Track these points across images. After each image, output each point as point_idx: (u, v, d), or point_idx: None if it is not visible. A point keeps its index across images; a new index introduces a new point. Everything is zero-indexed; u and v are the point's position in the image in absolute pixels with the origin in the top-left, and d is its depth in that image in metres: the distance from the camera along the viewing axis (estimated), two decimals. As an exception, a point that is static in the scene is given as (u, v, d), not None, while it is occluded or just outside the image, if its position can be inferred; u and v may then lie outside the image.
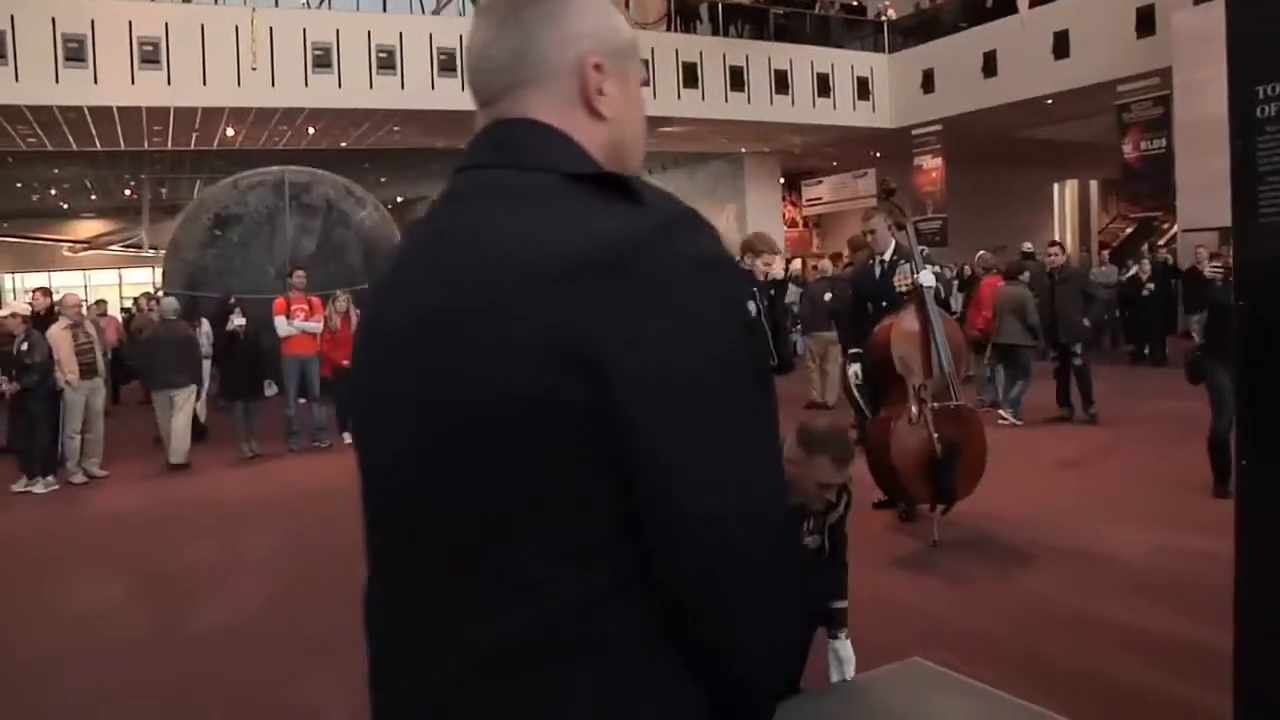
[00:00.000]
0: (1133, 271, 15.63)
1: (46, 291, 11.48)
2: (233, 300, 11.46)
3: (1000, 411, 9.83)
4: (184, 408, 10.02)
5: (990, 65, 20.06)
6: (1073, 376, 9.79)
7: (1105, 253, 18.81)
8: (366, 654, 1.12)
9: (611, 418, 0.88)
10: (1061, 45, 18.52)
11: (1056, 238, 18.15)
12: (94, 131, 18.32)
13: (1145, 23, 17.08)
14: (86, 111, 16.64)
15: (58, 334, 9.09)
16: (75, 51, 15.47)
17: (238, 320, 10.57)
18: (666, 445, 0.89)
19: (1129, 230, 18.79)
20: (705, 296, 0.93)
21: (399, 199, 33.67)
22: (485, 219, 0.98)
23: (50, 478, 8.93)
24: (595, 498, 0.92)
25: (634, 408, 0.88)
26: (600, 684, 0.92)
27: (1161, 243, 18.31)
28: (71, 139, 18.84)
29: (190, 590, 5.75)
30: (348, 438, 10.60)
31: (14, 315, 9.14)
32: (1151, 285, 14.44)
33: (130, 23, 15.88)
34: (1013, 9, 18.19)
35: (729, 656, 0.96)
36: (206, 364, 11.72)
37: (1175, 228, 17.13)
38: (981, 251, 14.13)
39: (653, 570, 0.92)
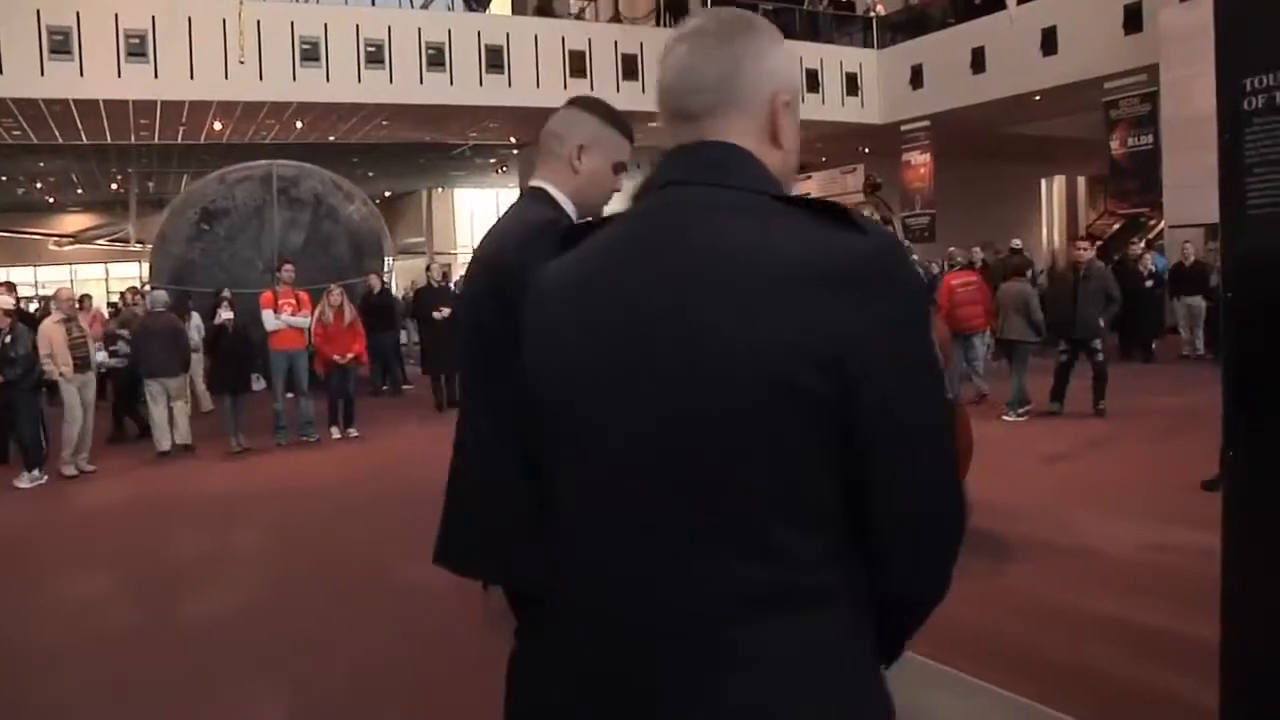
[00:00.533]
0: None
1: (10, 286, 11.50)
2: (225, 294, 11.43)
3: (1005, 416, 9.76)
4: (178, 396, 10.18)
5: (979, 61, 20.12)
6: (1080, 373, 9.81)
7: (1088, 242, 18.84)
8: (552, 578, 1.26)
9: (852, 408, 1.07)
10: (1050, 42, 18.59)
11: (1045, 233, 18.19)
12: (80, 125, 18.24)
13: (1133, 20, 17.17)
14: (72, 104, 16.57)
15: (50, 328, 9.09)
16: (60, 44, 15.40)
17: (225, 314, 10.58)
18: (901, 439, 1.10)
19: (1116, 226, 18.86)
20: (923, 309, 1.14)
21: (387, 193, 33.61)
22: (718, 229, 1.14)
23: (36, 471, 8.89)
24: (828, 474, 1.10)
25: (879, 402, 1.07)
26: (824, 631, 1.11)
27: (1149, 239, 18.38)
28: (57, 132, 18.74)
29: (179, 584, 5.72)
30: (335, 433, 10.69)
31: (-1, 309, 9.09)
32: (1151, 281, 14.29)
33: (116, 15, 15.82)
34: (1001, 5, 18.25)
35: (920, 608, 1.23)
36: (197, 356, 11.73)
37: (1162, 224, 17.20)
38: (951, 248, 14.14)
39: (870, 537, 1.14)
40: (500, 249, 2.13)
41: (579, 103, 2.26)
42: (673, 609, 1.13)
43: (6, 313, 9.06)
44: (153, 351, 9.98)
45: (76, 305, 10.11)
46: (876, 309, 1.07)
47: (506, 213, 2.30)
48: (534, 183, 2.23)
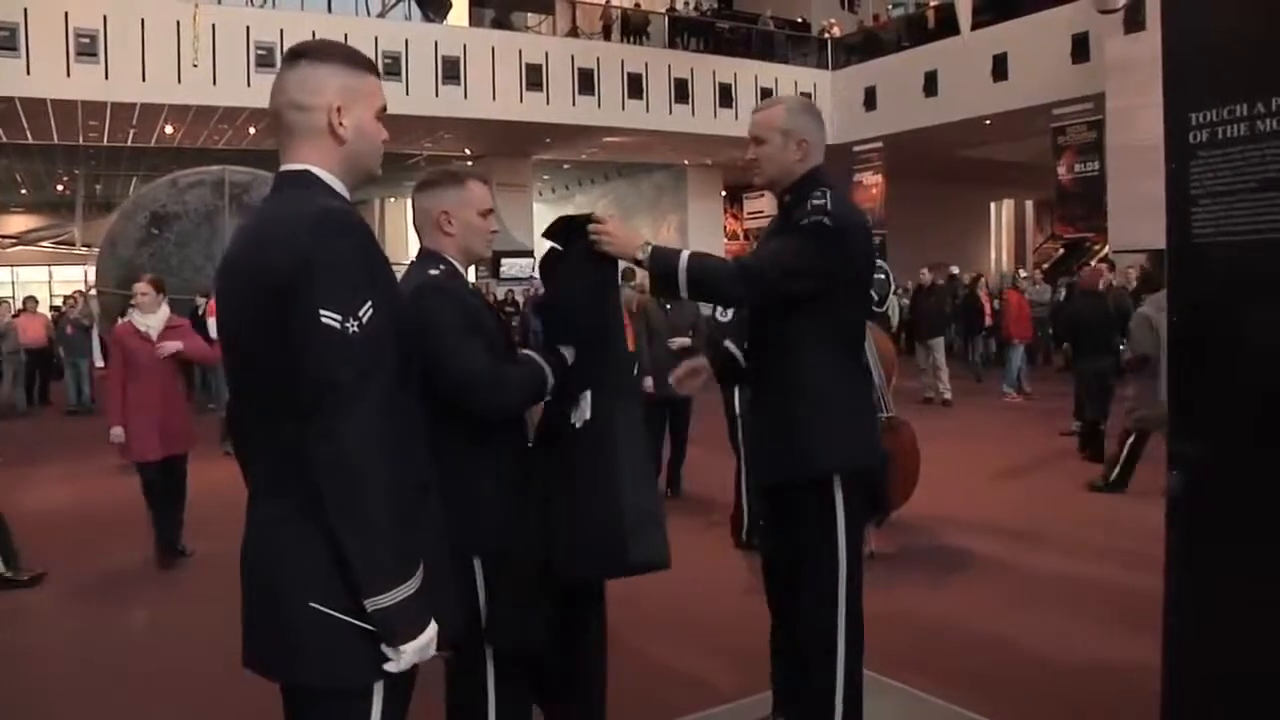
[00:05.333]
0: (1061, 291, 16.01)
1: None
2: (200, 301, 11.18)
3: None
4: None
5: (931, 85, 20.46)
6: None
7: (1038, 271, 19.24)
8: None
9: None
10: (1000, 68, 18.97)
11: (993, 255, 18.46)
12: (25, 124, 17.89)
13: (1080, 49, 17.57)
14: (18, 103, 16.25)
15: None
16: (6, 40, 15.14)
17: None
18: None
19: (1061, 250, 19.25)
20: None
21: (340, 201, 33.27)
22: None
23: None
24: None
25: None
26: None
27: (1093, 263, 18.79)
28: (1, 131, 18.37)
29: (122, 592, 5.62)
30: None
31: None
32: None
33: (66, 13, 15.56)
34: (954, 30, 18.57)
35: None
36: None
37: (1106, 249, 17.58)
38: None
39: None
40: (274, 243, 1.70)
41: (306, 56, 1.83)
42: None
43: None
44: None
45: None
46: None
47: (265, 204, 1.86)
48: (292, 166, 1.81)
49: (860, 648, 2.77)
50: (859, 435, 2.79)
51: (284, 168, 1.82)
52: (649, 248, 2.55)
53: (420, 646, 1.67)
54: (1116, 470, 7.32)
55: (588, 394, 2.43)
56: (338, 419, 1.58)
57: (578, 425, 2.42)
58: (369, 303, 1.64)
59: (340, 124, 1.79)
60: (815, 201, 2.67)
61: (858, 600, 2.75)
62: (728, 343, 3.10)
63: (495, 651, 2.39)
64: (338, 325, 1.60)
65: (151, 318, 6.03)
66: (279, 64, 1.88)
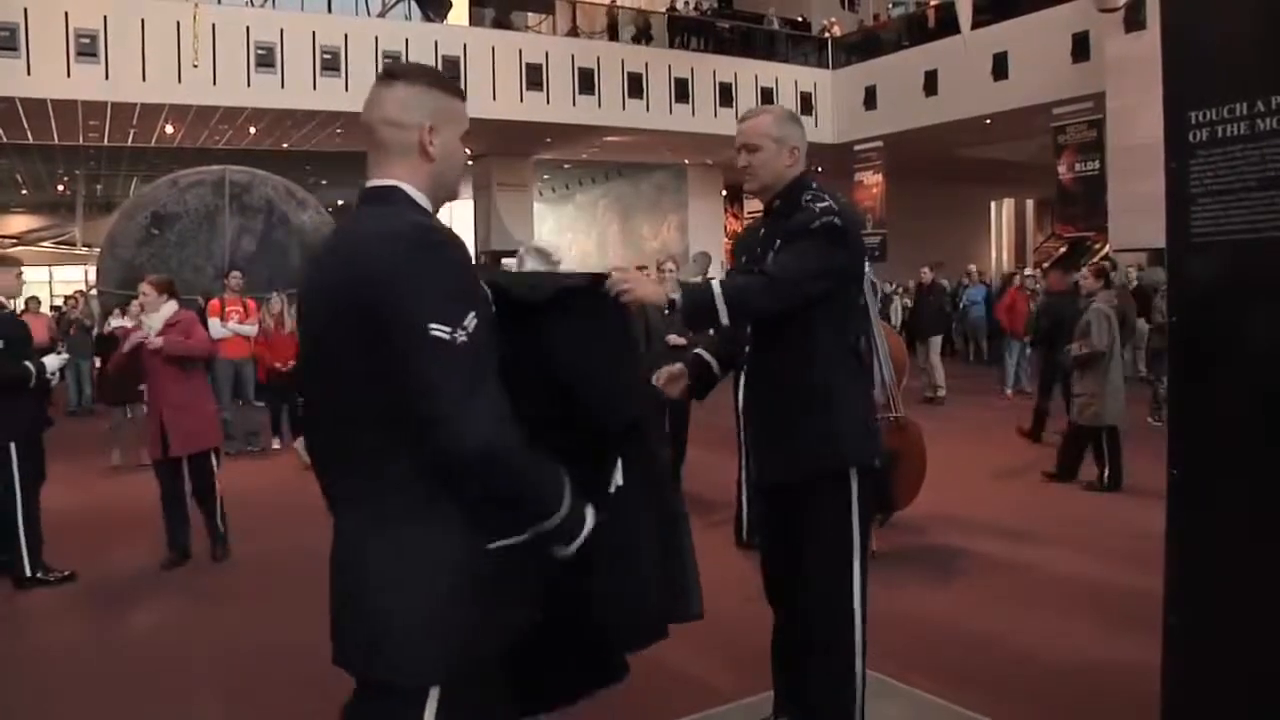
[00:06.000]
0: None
1: None
2: (203, 303, 11.19)
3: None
4: None
5: (931, 84, 20.46)
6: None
7: (1039, 270, 19.21)
8: None
9: None
10: (1000, 67, 18.96)
11: (994, 254, 18.46)
12: (26, 124, 17.89)
13: (1080, 48, 17.56)
14: (18, 103, 16.25)
15: None
16: (7, 40, 15.13)
17: (117, 321, 10.26)
18: None
19: (1062, 249, 19.23)
20: None
21: (339, 201, 33.23)
22: None
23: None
24: None
25: None
26: None
27: (1093, 263, 18.78)
28: (1, 131, 18.38)
29: (121, 594, 5.62)
30: (277, 444, 10.54)
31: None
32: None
33: (66, 13, 15.56)
34: (954, 30, 18.57)
35: None
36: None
37: (1106, 248, 17.57)
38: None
39: None
40: (370, 259, 1.73)
41: (404, 77, 1.91)
42: None
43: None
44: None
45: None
46: None
47: (355, 219, 1.91)
48: (380, 181, 1.87)
49: (865, 644, 2.82)
50: (871, 430, 2.90)
51: (372, 183, 1.89)
52: (678, 287, 2.58)
53: (588, 528, 1.90)
54: (1063, 463, 7.66)
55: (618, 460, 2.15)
56: (459, 422, 1.67)
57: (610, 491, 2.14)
58: (473, 312, 1.71)
59: (431, 143, 1.87)
60: (820, 204, 2.75)
61: (866, 595, 2.80)
62: (700, 350, 3.13)
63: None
64: (447, 336, 1.67)
65: (154, 316, 6.05)
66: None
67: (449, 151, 1.91)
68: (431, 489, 1.75)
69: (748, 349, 2.96)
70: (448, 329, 1.66)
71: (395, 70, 1.94)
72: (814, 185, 2.86)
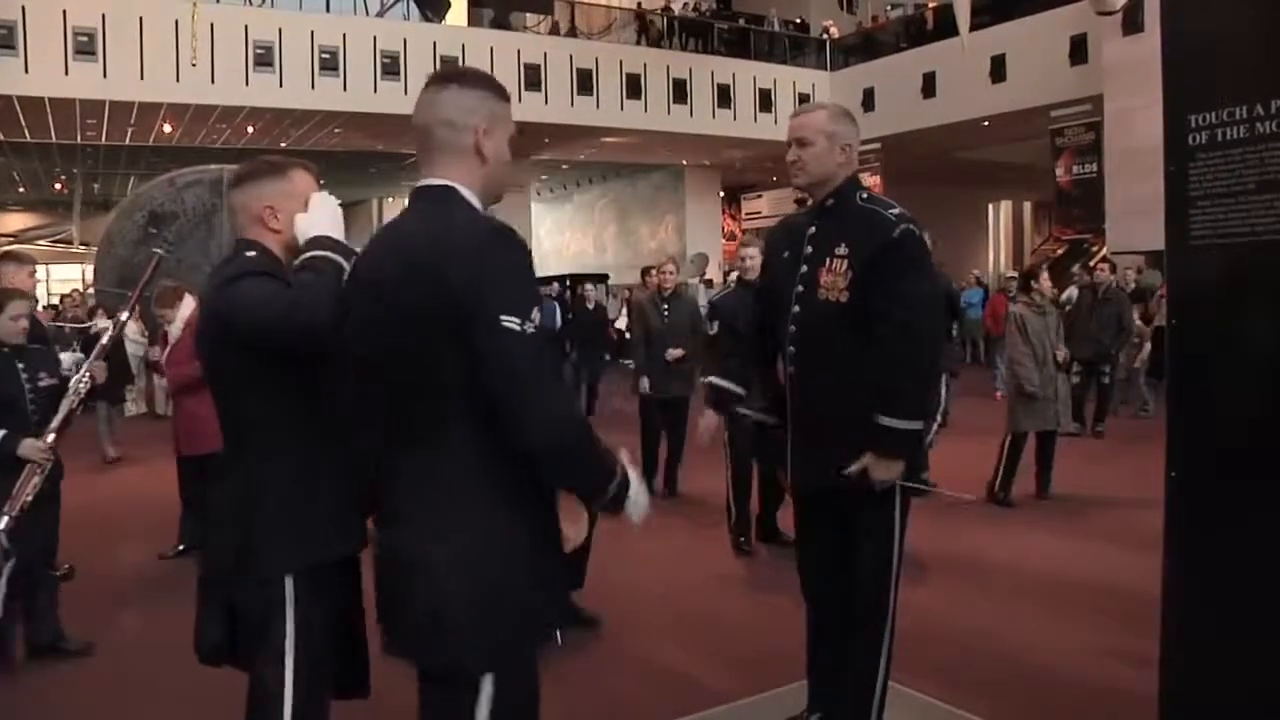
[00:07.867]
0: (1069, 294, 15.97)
1: None
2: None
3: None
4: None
5: (929, 86, 20.47)
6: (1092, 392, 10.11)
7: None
8: None
9: None
10: (999, 69, 18.97)
11: (991, 256, 18.48)
12: (23, 122, 17.85)
13: (1078, 51, 17.57)
14: (16, 101, 16.22)
15: None
16: (4, 38, 15.09)
17: (102, 323, 10.30)
18: None
19: (1060, 252, 19.26)
20: None
21: (338, 202, 33.25)
22: None
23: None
24: None
25: None
26: None
27: (1091, 265, 18.80)
28: (-1, 129, 18.35)
29: (121, 591, 5.61)
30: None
31: None
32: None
33: (64, 11, 15.53)
34: (953, 32, 18.58)
35: None
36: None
37: (1104, 250, 17.59)
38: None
39: None
40: (454, 253, 1.81)
41: (458, 80, 1.99)
42: None
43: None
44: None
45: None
46: None
47: (411, 217, 1.98)
48: (435, 181, 1.95)
49: (893, 634, 2.93)
50: (923, 442, 3.18)
51: (425, 182, 1.97)
52: (892, 452, 2.72)
53: (636, 489, 1.95)
54: (1000, 478, 7.20)
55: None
56: (537, 403, 1.79)
57: None
58: (537, 307, 1.82)
59: (484, 145, 1.95)
60: (892, 211, 2.84)
61: (898, 588, 2.92)
62: (715, 381, 3.26)
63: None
64: (517, 328, 1.77)
65: (175, 323, 6.26)
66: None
67: (500, 153, 1.99)
68: (494, 476, 1.84)
69: (791, 363, 2.95)
70: (517, 320, 1.77)
71: (449, 74, 2.03)
72: (864, 187, 2.96)
